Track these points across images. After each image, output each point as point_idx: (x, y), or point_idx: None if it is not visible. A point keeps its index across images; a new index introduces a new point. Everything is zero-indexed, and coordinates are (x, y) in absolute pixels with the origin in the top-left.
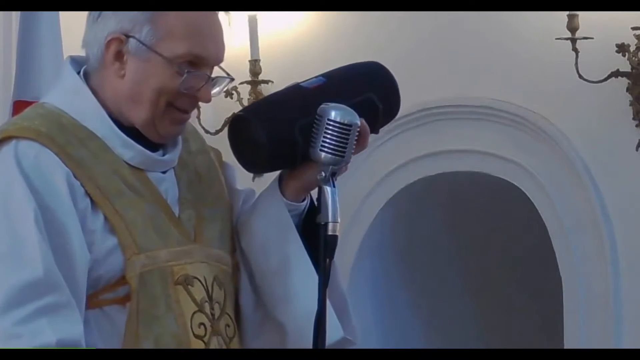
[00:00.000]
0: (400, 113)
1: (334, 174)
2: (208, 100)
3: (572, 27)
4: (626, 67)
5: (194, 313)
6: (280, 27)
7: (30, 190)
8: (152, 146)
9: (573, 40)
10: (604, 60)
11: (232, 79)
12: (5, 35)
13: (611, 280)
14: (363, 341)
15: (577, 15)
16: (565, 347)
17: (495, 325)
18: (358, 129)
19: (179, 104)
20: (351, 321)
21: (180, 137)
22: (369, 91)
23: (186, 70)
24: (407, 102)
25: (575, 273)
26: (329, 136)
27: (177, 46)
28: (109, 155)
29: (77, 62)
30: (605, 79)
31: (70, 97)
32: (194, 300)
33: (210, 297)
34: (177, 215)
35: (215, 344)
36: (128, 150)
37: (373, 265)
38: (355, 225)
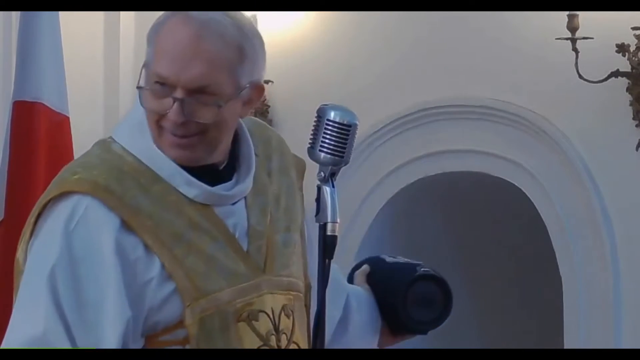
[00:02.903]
0: (400, 113)
1: (333, 174)
2: (173, 121)
3: (572, 27)
4: (626, 67)
5: (259, 347)
6: (280, 28)
7: (63, 246)
8: (221, 178)
9: (573, 40)
10: (604, 60)
11: (220, 106)
12: (5, 35)
13: (611, 280)
14: None
15: (577, 15)
16: (565, 347)
17: (495, 325)
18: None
19: (165, 125)
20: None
21: (253, 164)
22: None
23: (153, 89)
24: (407, 102)
25: (575, 273)
26: (327, 136)
27: (154, 66)
28: (173, 197)
29: None
30: (605, 79)
31: (135, 135)
32: (258, 334)
33: (277, 329)
34: (245, 249)
35: None
36: (192, 188)
37: None
38: (355, 225)
